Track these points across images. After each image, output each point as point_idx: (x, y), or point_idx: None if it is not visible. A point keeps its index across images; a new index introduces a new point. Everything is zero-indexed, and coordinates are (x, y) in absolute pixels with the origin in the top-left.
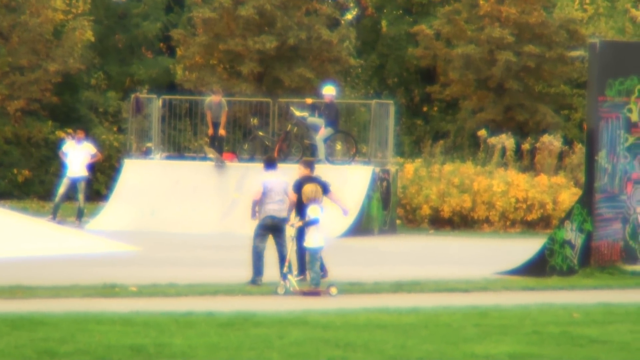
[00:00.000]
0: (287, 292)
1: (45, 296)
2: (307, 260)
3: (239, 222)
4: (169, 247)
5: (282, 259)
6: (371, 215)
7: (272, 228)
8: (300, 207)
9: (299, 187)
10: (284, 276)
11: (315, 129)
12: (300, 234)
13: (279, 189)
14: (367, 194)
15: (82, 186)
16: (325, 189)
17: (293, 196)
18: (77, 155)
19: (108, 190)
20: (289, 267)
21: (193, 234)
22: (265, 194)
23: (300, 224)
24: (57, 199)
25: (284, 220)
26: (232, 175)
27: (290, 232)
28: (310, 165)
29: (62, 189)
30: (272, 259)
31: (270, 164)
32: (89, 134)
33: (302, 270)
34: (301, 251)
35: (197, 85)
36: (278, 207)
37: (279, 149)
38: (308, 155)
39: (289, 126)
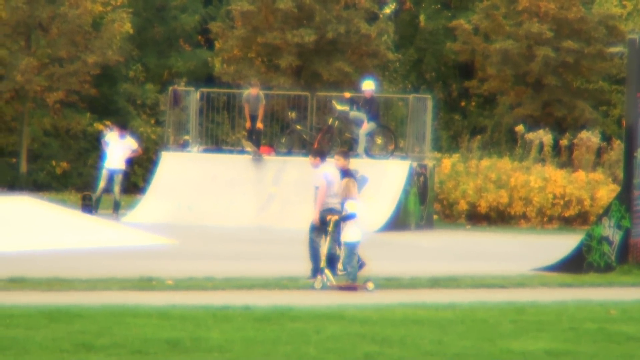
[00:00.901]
0: (324, 287)
1: (82, 289)
2: (344, 254)
3: (276, 215)
4: (205, 241)
5: (330, 256)
6: (408, 210)
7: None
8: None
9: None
10: (321, 271)
11: (358, 123)
12: (336, 229)
13: (335, 181)
14: (405, 189)
15: (119, 179)
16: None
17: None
18: (118, 149)
19: (145, 183)
20: (327, 261)
21: (230, 228)
22: (328, 188)
23: (336, 218)
24: (97, 192)
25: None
26: (270, 169)
27: (328, 228)
28: (348, 156)
29: (102, 183)
30: (305, 253)
31: (324, 156)
32: (127, 127)
33: (330, 265)
34: (332, 247)
35: (235, 78)
36: (337, 200)
37: (319, 143)
38: (347, 149)
39: (331, 120)
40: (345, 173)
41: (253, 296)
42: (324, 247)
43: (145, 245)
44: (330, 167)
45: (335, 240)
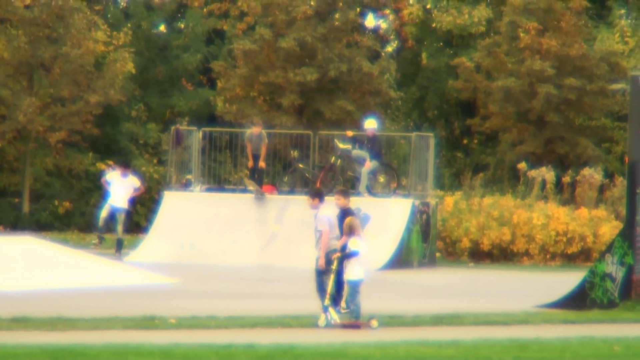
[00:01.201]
0: (328, 325)
1: (85, 328)
2: (347, 292)
3: (279, 254)
4: (208, 280)
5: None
6: (411, 247)
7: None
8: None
9: (344, 218)
10: (325, 308)
11: (360, 161)
12: (339, 267)
13: (335, 223)
14: (407, 227)
15: (121, 218)
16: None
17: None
18: (121, 188)
19: (148, 222)
20: (331, 299)
21: (233, 267)
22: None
23: (339, 255)
24: (100, 222)
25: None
26: (272, 207)
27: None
28: (349, 195)
29: (103, 213)
30: (310, 290)
31: (323, 196)
32: (129, 166)
33: (334, 302)
34: (338, 284)
35: (238, 117)
36: (337, 241)
37: (322, 181)
38: (349, 187)
39: (333, 158)
40: (346, 212)
41: (256, 334)
42: (329, 285)
43: (148, 284)
44: (330, 208)
45: (338, 278)
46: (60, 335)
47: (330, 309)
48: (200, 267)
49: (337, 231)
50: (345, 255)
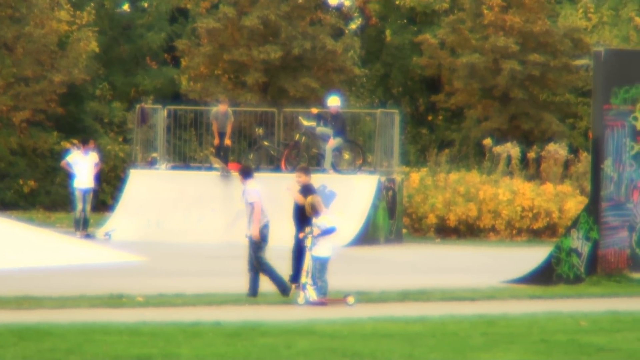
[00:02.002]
0: (307, 302)
1: (51, 307)
2: (315, 269)
3: (245, 232)
4: (175, 257)
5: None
6: (377, 224)
7: (267, 238)
8: (305, 217)
9: (307, 195)
10: (303, 286)
11: (325, 138)
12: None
13: (263, 197)
14: (373, 204)
15: (89, 197)
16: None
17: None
18: (85, 166)
19: (114, 200)
20: (309, 276)
21: (199, 244)
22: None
23: (318, 232)
24: (77, 213)
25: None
26: (238, 185)
27: (306, 242)
28: (309, 172)
29: (79, 205)
30: (278, 267)
31: (250, 173)
32: (88, 141)
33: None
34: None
35: (202, 95)
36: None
37: (286, 159)
38: (314, 164)
39: (297, 136)
40: (307, 189)
41: (223, 312)
42: (305, 262)
43: (114, 262)
44: (258, 183)
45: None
46: (27, 314)
47: (308, 287)
48: (166, 245)
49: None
50: (323, 231)
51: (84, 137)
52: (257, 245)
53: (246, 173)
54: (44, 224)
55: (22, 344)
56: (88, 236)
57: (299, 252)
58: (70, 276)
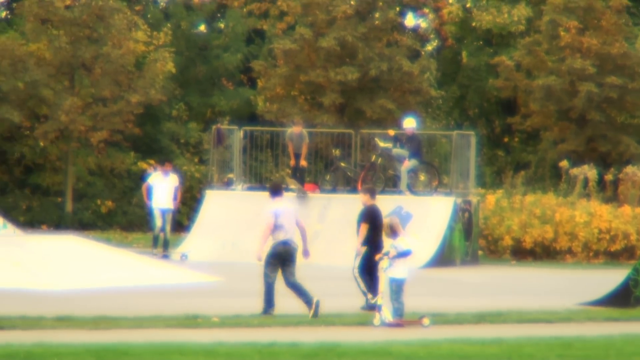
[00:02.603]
0: (383, 324)
1: (128, 327)
2: (391, 291)
3: (322, 252)
4: (250, 278)
5: (292, 288)
6: (453, 246)
7: (283, 256)
8: (370, 237)
9: (367, 216)
10: (379, 308)
11: (401, 160)
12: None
13: (289, 216)
14: (449, 225)
15: (169, 218)
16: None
17: (364, 227)
18: (164, 187)
19: (190, 221)
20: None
21: None
22: (276, 222)
23: (394, 253)
24: (155, 231)
25: (296, 249)
26: (314, 206)
27: (382, 264)
28: (374, 193)
29: (158, 222)
30: (353, 289)
31: (276, 191)
32: (168, 162)
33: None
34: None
35: (278, 116)
36: (291, 234)
37: (363, 180)
38: (391, 186)
39: (374, 157)
40: (368, 209)
41: (300, 333)
42: (381, 284)
43: (190, 283)
44: (283, 201)
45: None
46: (104, 334)
47: (384, 308)
48: (242, 266)
49: (288, 224)
50: (399, 254)
51: (161, 158)
52: (267, 260)
53: (272, 191)
54: (121, 244)
55: None
56: (166, 257)
57: (367, 270)
58: (147, 296)
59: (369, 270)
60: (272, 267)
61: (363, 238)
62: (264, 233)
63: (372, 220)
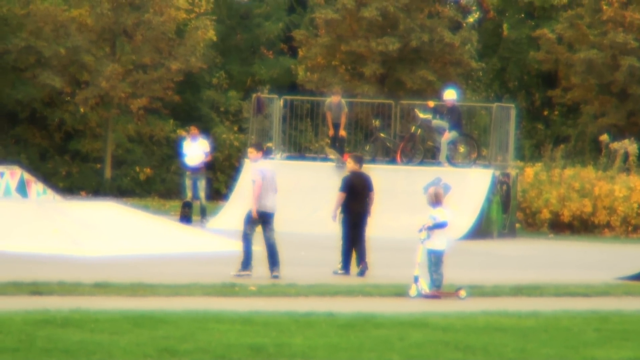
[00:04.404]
0: (419, 295)
1: (165, 294)
2: (431, 262)
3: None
4: (288, 247)
5: (269, 247)
6: (491, 218)
7: (265, 217)
8: (346, 204)
9: (348, 184)
10: (415, 279)
11: (440, 131)
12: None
13: (272, 177)
14: (487, 197)
15: (202, 185)
16: (369, 187)
17: (341, 195)
18: (193, 152)
19: (228, 189)
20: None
21: (313, 235)
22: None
23: (431, 223)
24: (187, 199)
25: (275, 210)
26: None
27: (420, 235)
28: (359, 160)
29: (188, 191)
30: (391, 260)
31: (259, 150)
32: (206, 132)
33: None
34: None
35: (319, 86)
36: (272, 197)
37: (402, 151)
38: (430, 157)
39: (413, 128)
40: (353, 175)
41: (337, 303)
42: (418, 254)
43: (228, 251)
44: (268, 164)
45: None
46: (141, 301)
47: (420, 279)
48: (280, 235)
49: (271, 186)
50: (434, 225)
51: (200, 126)
52: (251, 219)
53: (257, 149)
54: (159, 211)
55: (136, 330)
56: (203, 225)
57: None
58: (184, 264)
59: (351, 239)
60: (251, 226)
61: (337, 206)
62: (257, 191)
63: (350, 188)
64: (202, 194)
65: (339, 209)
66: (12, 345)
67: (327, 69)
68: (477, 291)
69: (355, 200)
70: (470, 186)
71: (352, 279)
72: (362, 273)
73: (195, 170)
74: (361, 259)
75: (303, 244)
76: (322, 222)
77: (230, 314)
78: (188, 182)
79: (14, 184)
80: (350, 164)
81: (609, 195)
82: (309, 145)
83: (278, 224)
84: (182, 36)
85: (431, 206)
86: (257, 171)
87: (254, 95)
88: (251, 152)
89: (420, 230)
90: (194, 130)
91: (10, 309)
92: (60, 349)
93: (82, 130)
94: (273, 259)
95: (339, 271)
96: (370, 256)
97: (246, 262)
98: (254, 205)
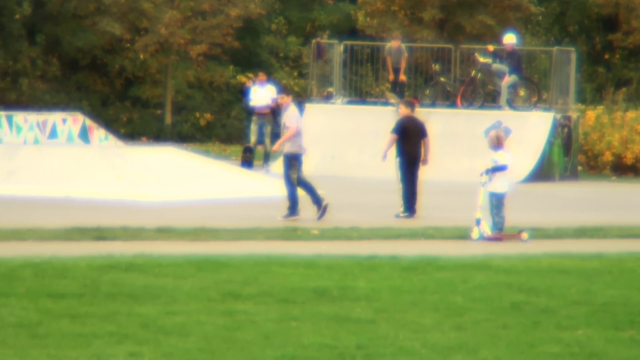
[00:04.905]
0: (481, 237)
1: (228, 238)
2: (493, 204)
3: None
4: (350, 191)
5: (304, 185)
6: (552, 161)
7: (300, 158)
8: (400, 147)
9: (400, 127)
10: (477, 221)
11: (501, 75)
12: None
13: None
14: (548, 140)
15: (268, 130)
16: (423, 132)
17: (392, 137)
18: (261, 97)
19: None
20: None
21: (374, 179)
22: (299, 126)
23: (491, 166)
24: (251, 144)
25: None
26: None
27: (482, 179)
28: (411, 105)
29: (252, 136)
30: (453, 203)
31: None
32: (270, 79)
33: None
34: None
35: (379, 31)
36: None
37: (462, 95)
38: (490, 101)
39: (473, 72)
40: (405, 119)
41: (399, 246)
42: (479, 197)
43: None
44: (297, 108)
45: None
46: (204, 245)
47: (482, 222)
48: (341, 179)
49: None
50: (494, 168)
51: (260, 72)
52: (286, 163)
53: (287, 93)
54: (220, 156)
55: (200, 275)
56: (266, 169)
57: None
58: (246, 208)
59: (405, 180)
60: (294, 169)
61: (388, 147)
62: (289, 135)
63: (404, 131)
64: (267, 139)
65: (394, 152)
66: (78, 291)
67: (387, 14)
68: (539, 233)
69: (409, 143)
70: (530, 129)
71: (414, 222)
72: (410, 215)
73: (262, 115)
74: (411, 205)
75: (364, 187)
76: (383, 166)
77: (293, 257)
78: (254, 127)
79: (76, 130)
80: (402, 109)
81: None
82: (369, 90)
83: (338, 167)
84: None
85: (492, 149)
86: (292, 117)
87: (314, 41)
88: (282, 97)
89: (482, 174)
90: (262, 76)
91: (75, 255)
92: (124, 294)
93: (142, 77)
94: (315, 196)
95: (401, 214)
96: (432, 199)
97: (293, 206)
98: (279, 142)
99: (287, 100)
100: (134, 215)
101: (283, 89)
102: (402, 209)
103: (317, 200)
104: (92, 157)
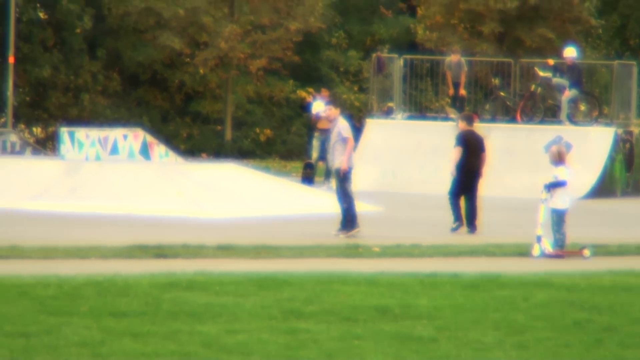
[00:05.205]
0: (542, 254)
1: (289, 256)
2: (554, 221)
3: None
4: (411, 208)
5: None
6: (614, 176)
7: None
8: (460, 160)
9: (462, 140)
10: (538, 238)
11: (561, 89)
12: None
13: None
14: (610, 156)
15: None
16: (482, 147)
17: (457, 150)
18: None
19: None
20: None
21: (435, 195)
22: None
23: (550, 181)
24: (312, 160)
25: None
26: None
27: (542, 195)
28: (470, 119)
29: (314, 152)
30: (512, 220)
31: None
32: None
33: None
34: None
35: (438, 45)
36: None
37: (522, 110)
38: (550, 116)
39: (533, 86)
40: (464, 134)
41: (460, 263)
42: (540, 214)
43: None
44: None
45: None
46: (265, 263)
47: (543, 239)
48: (402, 196)
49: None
50: (553, 184)
51: (320, 86)
52: (344, 176)
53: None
54: (280, 173)
55: (261, 293)
56: (327, 186)
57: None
58: (307, 225)
59: (459, 195)
60: (350, 184)
61: (456, 161)
62: (350, 149)
63: (465, 144)
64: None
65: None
66: (139, 309)
67: (446, 28)
68: (601, 250)
69: (469, 158)
70: (592, 145)
71: (475, 239)
72: (471, 231)
73: (324, 131)
74: (471, 221)
75: (425, 204)
76: (444, 182)
77: (355, 275)
78: (315, 143)
79: (137, 146)
80: (461, 124)
81: None
82: (429, 105)
83: (399, 183)
84: None
85: (554, 165)
86: (346, 128)
87: (374, 55)
88: (331, 109)
89: (542, 191)
90: (324, 92)
91: (137, 272)
92: (186, 312)
93: (202, 92)
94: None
95: (454, 225)
96: (492, 216)
97: (352, 220)
98: (345, 160)
99: (336, 113)
100: (195, 232)
101: (332, 102)
102: (453, 220)
103: (352, 218)
104: (153, 174)
